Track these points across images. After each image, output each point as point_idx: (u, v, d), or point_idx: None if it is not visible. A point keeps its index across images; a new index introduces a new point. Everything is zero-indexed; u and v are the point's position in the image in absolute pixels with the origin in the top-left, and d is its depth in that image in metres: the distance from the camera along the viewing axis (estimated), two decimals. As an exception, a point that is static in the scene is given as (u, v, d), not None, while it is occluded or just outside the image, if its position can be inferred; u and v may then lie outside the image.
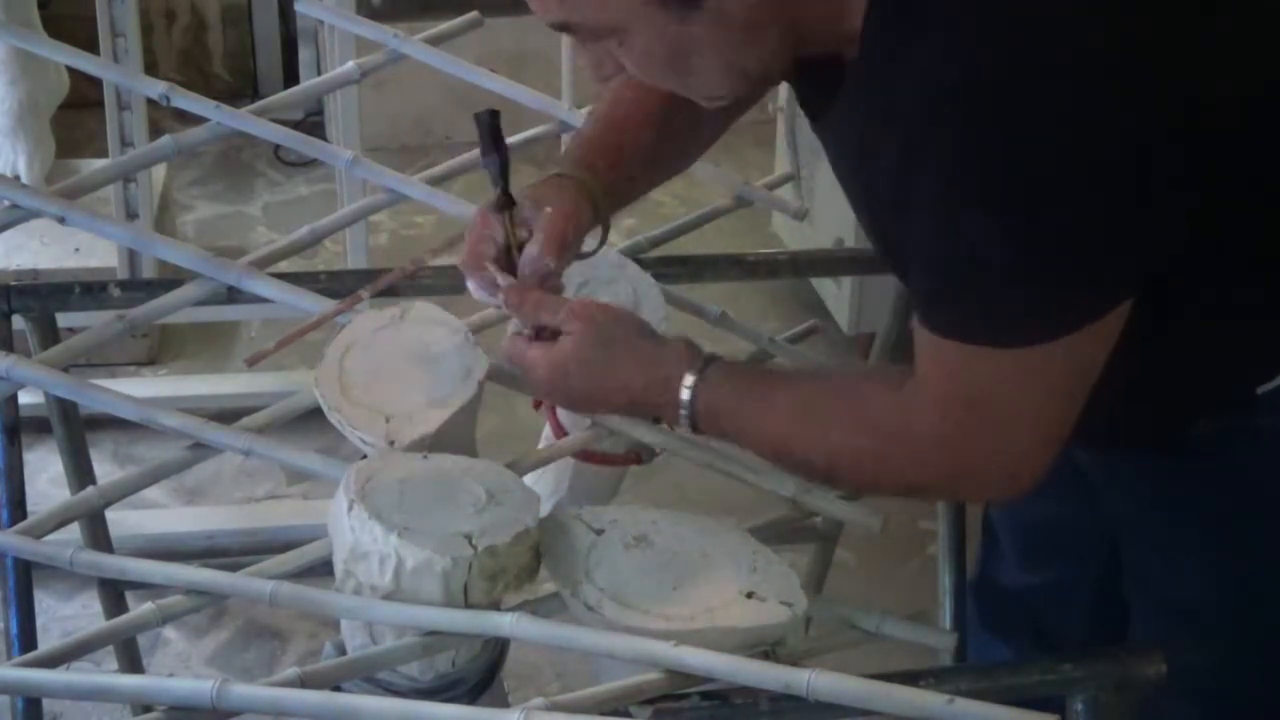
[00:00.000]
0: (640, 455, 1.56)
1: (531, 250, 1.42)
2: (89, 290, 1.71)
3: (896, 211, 1.28)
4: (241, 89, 4.02)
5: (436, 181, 1.79)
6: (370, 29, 1.94)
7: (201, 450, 1.50)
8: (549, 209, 1.42)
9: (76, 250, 3.10)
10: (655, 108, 1.54)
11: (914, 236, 1.28)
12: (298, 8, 2.06)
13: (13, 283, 1.69)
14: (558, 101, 1.94)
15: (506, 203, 1.42)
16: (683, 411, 1.39)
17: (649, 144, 1.55)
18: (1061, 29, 1.20)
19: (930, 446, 1.32)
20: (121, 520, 2.45)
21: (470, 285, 1.45)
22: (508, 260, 1.43)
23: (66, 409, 1.79)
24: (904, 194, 1.26)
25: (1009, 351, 1.26)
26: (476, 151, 1.82)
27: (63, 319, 1.74)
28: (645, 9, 1.26)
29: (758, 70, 1.34)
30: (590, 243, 1.50)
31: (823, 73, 1.34)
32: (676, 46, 1.29)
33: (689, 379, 1.38)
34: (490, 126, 1.43)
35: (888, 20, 1.27)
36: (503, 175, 1.42)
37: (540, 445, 1.59)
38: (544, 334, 1.42)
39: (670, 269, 1.72)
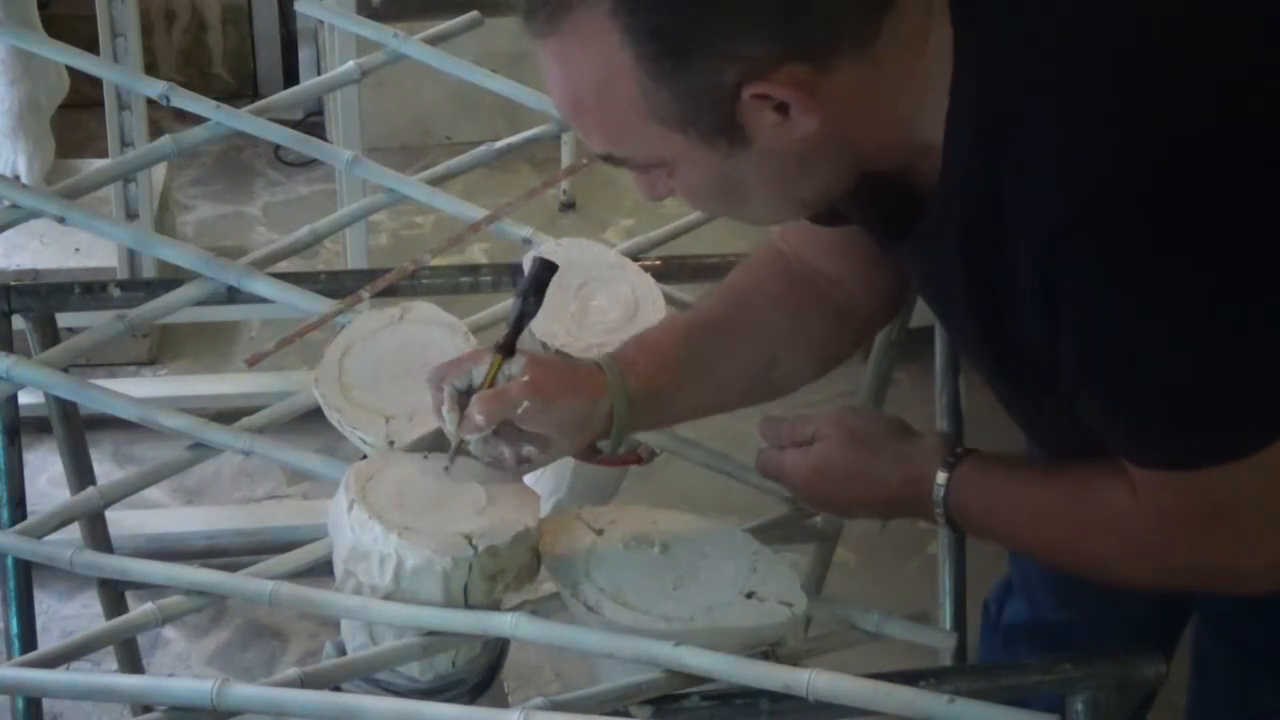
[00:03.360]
0: (640, 455, 1.56)
1: (474, 403, 1.30)
2: (89, 290, 1.71)
3: (1036, 349, 1.20)
4: (241, 89, 4.01)
5: (436, 181, 1.79)
6: (370, 29, 1.94)
7: (201, 450, 1.50)
8: (526, 377, 1.30)
9: (76, 250, 3.10)
10: (749, 320, 1.45)
11: (1078, 369, 1.19)
12: (298, 8, 2.06)
13: (13, 283, 1.69)
14: (558, 101, 1.94)
15: (505, 350, 1.32)
16: (937, 510, 1.38)
17: (709, 355, 1.42)
18: (1181, 103, 1.14)
19: (1185, 560, 1.27)
20: (121, 520, 2.45)
21: (430, 394, 1.34)
22: (467, 398, 1.32)
23: (66, 409, 1.79)
24: (1047, 325, 1.18)
25: (1238, 463, 1.18)
26: (476, 151, 1.84)
27: (63, 319, 1.74)
28: (691, 147, 1.18)
29: (814, 198, 1.27)
30: (604, 444, 1.39)
31: (895, 193, 1.26)
32: (726, 180, 1.22)
33: (940, 476, 1.37)
34: (538, 277, 1.34)
35: (977, 128, 1.17)
36: (517, 324, 1.33)
37: (540, 445, 1.58)
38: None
39: (670, 269, 1.72)
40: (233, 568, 1.37)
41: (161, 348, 3.21)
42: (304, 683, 1.21)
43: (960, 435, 1.62)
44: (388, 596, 1.25)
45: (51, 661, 1.27)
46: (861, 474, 1.41)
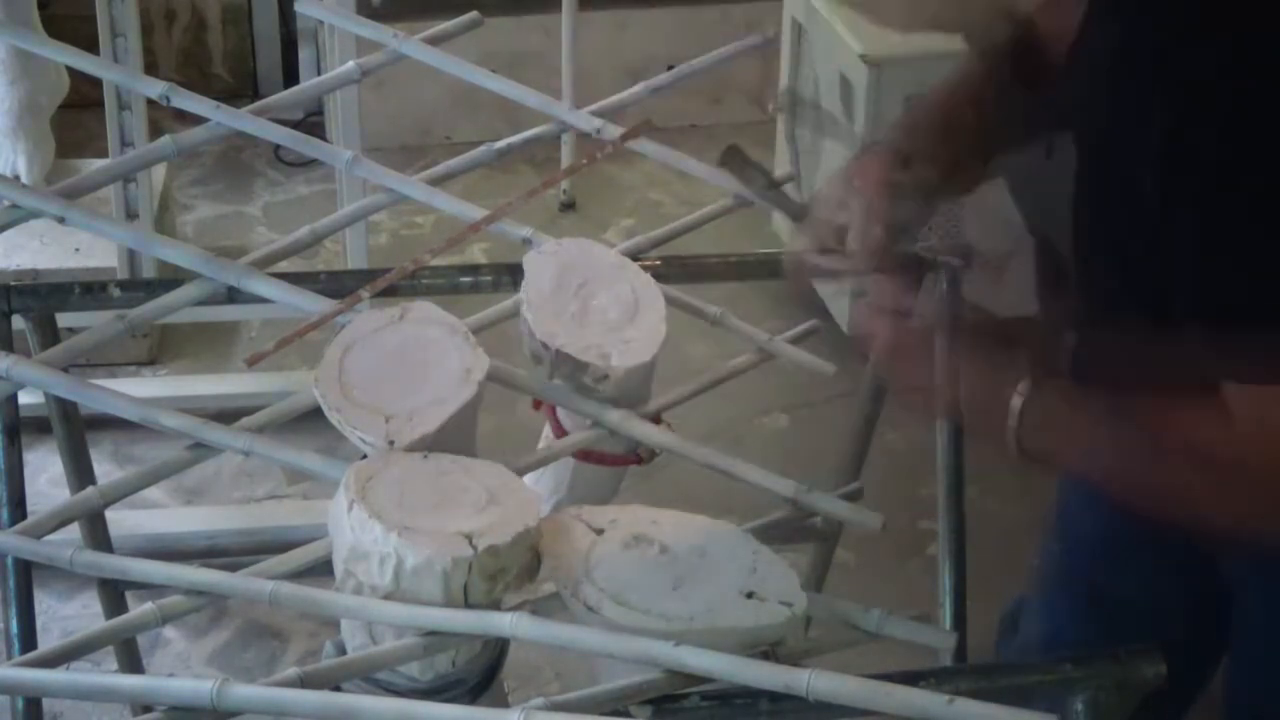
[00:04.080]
0: (640, 455, 1.56)
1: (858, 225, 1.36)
2: (89, 290, 1.71)
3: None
4: (241, 89, 4.02)
5: (436, 181, 1.79)
6: (370, 29, 1.94)
7: (201, 450, 1.50)
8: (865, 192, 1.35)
9: (76, 250, 3.10)
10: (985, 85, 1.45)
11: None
12: (298, 8, 2.05)
13: (13, 283, 1.69)
14: (558, 101, 1.94)
15: (803, 211, 1.35)
16: (1011, 422, 1.30)
17: (974, 127, 1.45)
18: None
19: None
20: (121, 520, 2.45)
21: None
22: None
23: (66, 409, 1.79)
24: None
25: None
26: (476, 151, 1.84)
27: (63, 319, 1.74)
28: None
29: None
30: (926, 234, 1.40)
31: None
32: None
33: (1023, 386, 1.30)
34: (740, 158, 1.39)
35: None
36: (774, 185, 1.38)
37: (540, 445, 1.59)
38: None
39: (670, 269, 1.72)
40: (233, 568, 1.37)
41: (161, 348, 3.22)
42: (304, 683, 1.21)
43: (961, 435, 1.62)
44: (388, 596, 1.25)
45: (51, 661, 1.27)
46: (943, 365, 1.34)
